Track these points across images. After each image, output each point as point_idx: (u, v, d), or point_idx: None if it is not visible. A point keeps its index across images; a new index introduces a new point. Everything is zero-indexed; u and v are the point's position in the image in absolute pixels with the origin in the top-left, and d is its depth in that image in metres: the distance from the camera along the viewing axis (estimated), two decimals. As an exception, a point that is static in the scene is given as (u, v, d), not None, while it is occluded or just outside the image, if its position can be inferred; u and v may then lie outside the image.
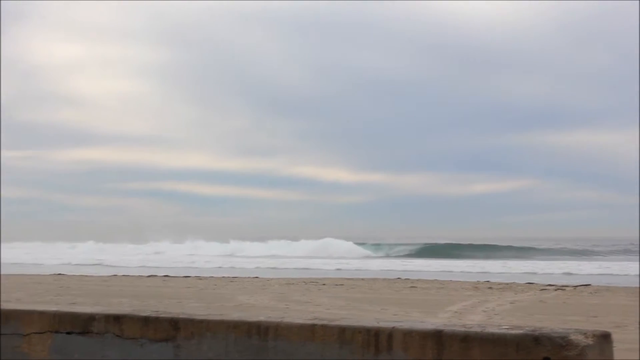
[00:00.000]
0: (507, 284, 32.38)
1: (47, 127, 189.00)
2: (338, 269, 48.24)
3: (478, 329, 3.93)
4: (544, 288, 29.97)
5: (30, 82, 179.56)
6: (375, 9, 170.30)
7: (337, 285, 31.05)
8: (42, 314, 5.49)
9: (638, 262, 47.04)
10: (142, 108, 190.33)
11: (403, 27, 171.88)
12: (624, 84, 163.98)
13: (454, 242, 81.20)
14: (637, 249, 70.47)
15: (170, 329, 4.93)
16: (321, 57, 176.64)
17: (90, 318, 5.22)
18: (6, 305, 6.49)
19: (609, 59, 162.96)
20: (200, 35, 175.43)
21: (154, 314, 5.09)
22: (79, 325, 5.27)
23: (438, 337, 4.06)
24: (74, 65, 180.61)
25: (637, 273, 41.38)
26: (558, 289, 29.73)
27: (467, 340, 3.93)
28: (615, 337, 4.02)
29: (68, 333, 5.29)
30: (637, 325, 17.44)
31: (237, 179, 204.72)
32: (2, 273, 40.77)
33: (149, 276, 38.78)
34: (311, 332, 4.47)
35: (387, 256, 71.97)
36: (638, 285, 31.00)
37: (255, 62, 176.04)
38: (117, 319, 5.13)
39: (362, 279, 35.79)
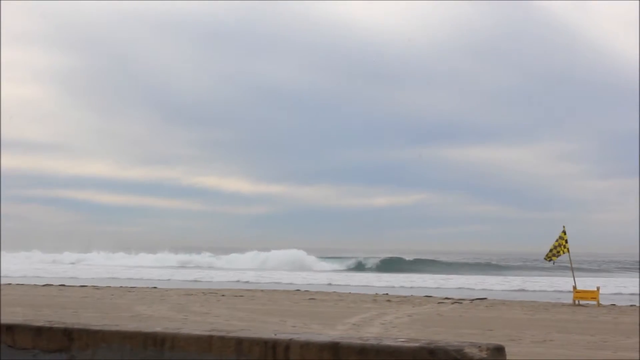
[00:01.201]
0: (406, 297, 32.73)
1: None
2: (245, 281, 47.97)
3: (374, 342, 3.95)
4: (442, 301, 30.37)
5: None
6: (280, 21, 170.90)
7: (236, 296, 30.95)
8: None
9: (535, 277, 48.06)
10: (40, 114, 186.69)
11: (307, 39, 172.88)
12: (524, 102, 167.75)
13: (354, 255, 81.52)
14: (534, 263, 72.04)
15: (64, 340, 4.83)
16: (223, 67, 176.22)
17: (-19, 328, 5.08)
18: None
19: (511, 78, 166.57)
20: (101, 41, 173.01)
21: (47, 324, 4.98)
22: (-31, 335, 5.12)
23: (335, 350, 4.07)
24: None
25: (536, 288, 42.36)
26: (455, 302, 30.18)
27: (364, 352, 3.95)
28: (509, 350, 4.09)
29: (-43, 343, 5.14)
30: (531, 339, 17.81)
31: (138, 188, 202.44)
32: None
33: (44, 285, 38.04)
34: (208, 344, 4.44)
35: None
36: (533, 300, 31.71)
37: (156, 70, 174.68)
38: (9, 328, 5.01)
39: (262, 290, 35.73)
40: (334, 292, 35.78)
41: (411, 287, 42.99)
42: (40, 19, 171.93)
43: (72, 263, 71.87)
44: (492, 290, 41.84)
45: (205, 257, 76.69)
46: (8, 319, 5.64)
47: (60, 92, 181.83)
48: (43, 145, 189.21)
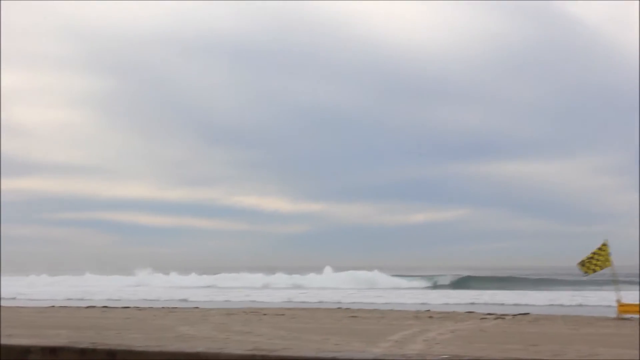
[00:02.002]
0: (448, 313, 32.53)
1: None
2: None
3: (418, 359, 3.93)
4: (484, 317, 30.16)
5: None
6: (315, 40, 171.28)
7: (278, 315, 30.93)
8: (-25, 346, 5.38)
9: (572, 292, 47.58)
10: (80, 137, 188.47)
11: (342, 57, 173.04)
12: (561, 116, 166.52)
13: (395, 273, 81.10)
14: (575, 277, 71.26)
15: (108, 361, 4.85)
16: (261, 87, 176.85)
17: (26, 350, 5.12)
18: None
19: (548, 91, 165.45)
20: (137, 64, 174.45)
21: (91, 346, 5.01)
22: (14, 357, 5.16)
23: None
24: (10, 93, 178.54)
25: (578, 302, 41.92)
26: (498, 317, 29.95)
27: (408, 370, 3.93)
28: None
29: (3, 366, 5.18)
30: (577, 354, 17.62)
31: (179, 208, 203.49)
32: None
33: (87, 307, 38.29)
34: (251, 363, 4.44)
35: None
36: (577, 314, 31.41)
37: (194, 92, 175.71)
38: (54, 351, 5.04)
39: (304, 309, 35.69)
40: (376, 309, 35.65)
41: (451, 303, 42.69)
42: (77, 44, 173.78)
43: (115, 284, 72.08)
44: (534, 305, 41.47)
45: (282, 278, 74.68)
46: (52, 341, 5.68)
47: (98, 116, 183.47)
48: (83, 169, 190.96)
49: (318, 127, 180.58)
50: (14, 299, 49.09)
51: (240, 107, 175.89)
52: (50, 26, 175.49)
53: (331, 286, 64.06)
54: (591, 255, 31.80)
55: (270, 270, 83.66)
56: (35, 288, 64.32)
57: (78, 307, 37.96)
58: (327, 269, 76.99)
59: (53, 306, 39.51)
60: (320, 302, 44.31)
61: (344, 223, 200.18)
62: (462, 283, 72.32)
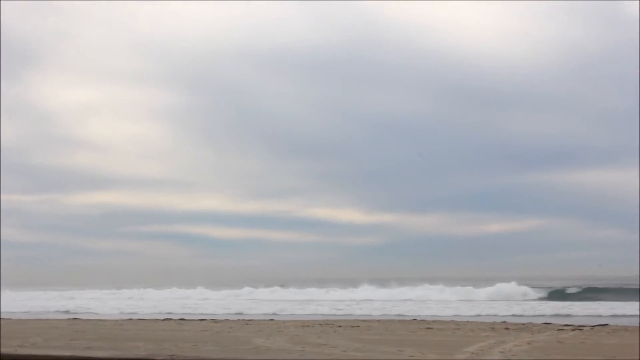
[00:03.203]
0: (524, 324, 32.19)
1: (61, 171, 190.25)
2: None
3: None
4: (561, 328, 29.77)
5: (44, 126, 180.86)
6: (386, 49, 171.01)
7: (352, 327, 30.91)
8: (57, 359, 5.50)
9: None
10: (155, 151, 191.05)
11: (414, 66, 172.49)
12: (636, 122, 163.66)
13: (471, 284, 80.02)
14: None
15: (185, 373, 4.92)
16: (334, 98, 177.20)
17: (106, 363, 5.22)
18: (22, 350, 6.50)
19: (623, 98, 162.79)
20: (212, 78, 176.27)
21: (168, 358, 5.09)
22: (94, 370, 5.26)
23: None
24: (87, 109, 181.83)
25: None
26: (575, 329, 29.53)
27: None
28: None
29: (83, 378, 5.29)
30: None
31: (252, 221, 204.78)
32: (19, 318, 40.94)
33: (164, 319, 38.72)
34: (326, 375, 4.46)
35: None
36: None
37: (266, 104, 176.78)
38: (132, 363, 5.13)
39: (378, 321, 35.62)
40: (452, 320, 35.43)
41: (527, 315, 42.19)
42: (152, 59, 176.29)
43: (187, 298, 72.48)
44: (613, 315, 40.82)
45: (392, 291, 72.71)
46: (132, 353, 5.76)
47: (173, 130, 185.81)
48: (158, 182, 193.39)
49: (391, 137, 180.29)
50: (86, 312, 49.83)
51: (314, 119, 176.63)
52: (125, 42, 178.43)
53: (433, 298, 62.67)
54: None
55: (346, 282, 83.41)
56: (120, 301, 65.08)
57: (155, 320, 38.40)
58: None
59: (131, 319, 40.05)
60: (399, 315, 44.01)
61: (417, 234, 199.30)
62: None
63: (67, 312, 48.68)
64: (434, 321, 34.85)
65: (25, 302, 63.18)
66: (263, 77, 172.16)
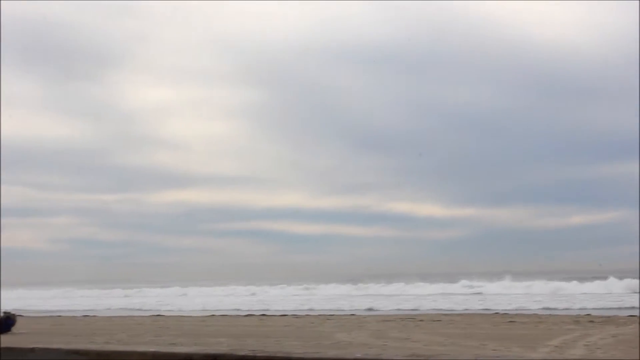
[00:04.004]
0: (609, 317, 31.64)
1: (142, 170, 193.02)
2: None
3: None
4: (648, 321, 29.20)
5: (124, 126, 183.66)
6: (467, 42, 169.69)
7: (434, 321, 30.77)
8: (142, 354, 5.57)
9: None
10: (234, 149, 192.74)
11: (494, 59, 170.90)
12: None
13: (557, 277, 78.70)
14: None
15: (268, 368, 4.93)
16: (412, 91, 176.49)
17: (188, 358, 5.27)
18: (107, 347, 6.60)
19: None
20: (289, 75, 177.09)
21: (250, 353, 5.11)
22: (178, 365, 5.31)
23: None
24: (167, 108, 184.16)
25: None
26: (663, 321, 28.95)
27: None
28: None
29: (167, 373, 5.34)
30: None
31: (330, 216, 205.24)
32: (106, 315, 41.69)
33: (246, 315, 39.02)
34: (409, 369, 4.43)
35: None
36: None
37: (344, 99, 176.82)
38: (216, 358, 5.16)
39: (460, 315, 35.40)
40: (534, 314, 35.03)
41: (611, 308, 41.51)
42: (229, 58, 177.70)
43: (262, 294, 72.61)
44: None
45: (473, 285, 71.45)
46: (214, 349, 5.81)
47: (252, 127, 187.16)
48: (238, 179, 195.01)
49: (470, 130, 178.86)
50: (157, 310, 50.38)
51: (392, 113, 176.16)
52: (203, 42, 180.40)
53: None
54: None
55: (427, 276, 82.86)
56: (202, 298, 65.46)
57: (237, 316, 38.73)
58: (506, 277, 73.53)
59: (213, 315, 40.46)
60: (485, 309, 43.36)
61: (498, 227, 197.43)
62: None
63: (150, 309, 49.35)
64: (516, 314, 34.51)
65: (108, 300, 64.34)
66: (339, 72, 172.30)
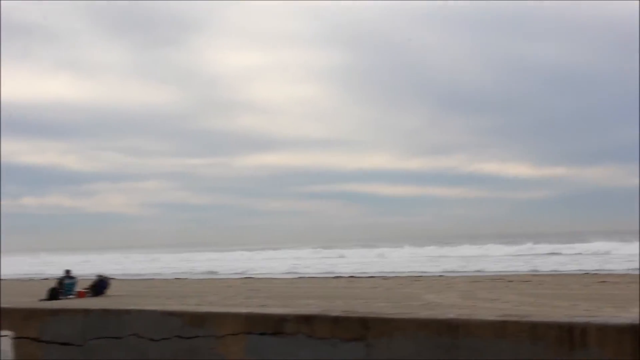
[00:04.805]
0: None
1: (229, 134, 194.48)
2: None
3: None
4: None
5: (210, 91, 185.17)
6: (553, 4, 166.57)
7: (524, 282, 30.51)
8: (235, 316, 5.62)
9: None
10: (320, 111, 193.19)
11: (583, 20, 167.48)
12: None
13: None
14: None
15: (360, 329, 4.96)
16: (499, 51, 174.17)
17: (282, 319, 5.31)
18: (200, 308, 6.70)
19: None
20: (375, 36, 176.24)
21: (343, 314, 5.13)
22: (271, 326, 5.37)
23: (637, 332, 3.91)
24: (252, 72, 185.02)
25: None
26: None
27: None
28: None
29: (261, 334, 5.40)
30: None
31: (418, 178, 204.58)
32: (193, 278, 42.32)
33: (335, 277, 39.21)
34: (502, 329, 4.41)
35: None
36: None
37: (430, 60, 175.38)
38: (308, 319, 5.20)
39: (550, 275, 35.05)
40: (627, 274, 34.47)
41: None
42: (315, 21, 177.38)
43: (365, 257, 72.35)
44: None
45: (563, 246, 67.43)
46: (305, 310, 5.86)
47: (338, 89, 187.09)
48: (325, 142, 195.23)
49: (558, 89, 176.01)
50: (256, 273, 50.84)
51: (479, 73, 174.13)
52: (288, 5, 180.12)
53: None
54: None
55: (516, 237, 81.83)
56: (290, 260, 65.50)
57: (326, 278, 38.94)
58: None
59: (302, 277, 40.78)
60: (579, 269, 42.17)
61: (588, 186, 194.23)
62: None
63: (239, 272, 49.86)
64: (607, 275, 34.00)
65: (198, 263, 65.20)
66: (426, 33, 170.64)
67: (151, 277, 46.60)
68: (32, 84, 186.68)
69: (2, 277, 47.47)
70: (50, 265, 63.49)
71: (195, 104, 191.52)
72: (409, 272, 44.60)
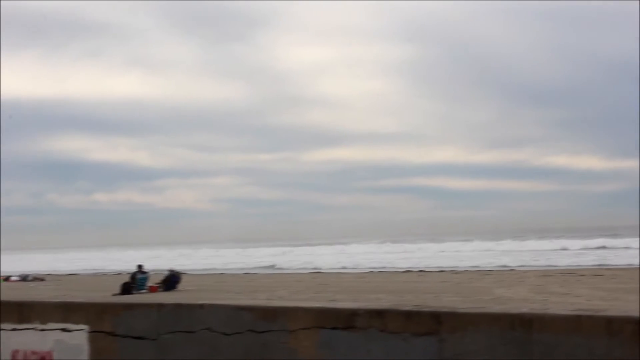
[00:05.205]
0: None
1: (297, 129, 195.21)
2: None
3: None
4: None
5: (278, 86, 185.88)
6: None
7: (595, 275, 30.10)
8: (307, 310, 5.65)
9: None
10: (389, 106, 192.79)
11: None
12: None
13: None
14: None
15: (433, 323, 4.94)
16: (570, 44, 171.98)
17: (353, 314, 5.31)
18: (272, 303, 6.75)
19: None
20: (444, 31, 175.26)
21: (415, 309, 5.12)
22: (343, 320, 5.38)
23: None
24: (320, 67, 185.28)
25: None
26: None
27: None
28: None
29: (333, 329, 5.41)
30: None
31: (488, 172, 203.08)
32: (262, 273, 42.54)
33: (404, 271, 39.10)
34: (577, 324, 4.36)
35: None
36: None
37: (498, 53, 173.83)
38: (380, 314, 5.20)
39: (622, 269, 34.52)
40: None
41: None
42: (384, 16, 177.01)
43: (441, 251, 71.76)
44: None
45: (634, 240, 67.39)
46: (377, 304, 5.86)
47: (406, 84, 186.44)
48: (394, 136, 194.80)
49: (629, 81, 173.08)
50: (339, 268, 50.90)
51: (549, 66, 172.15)
52: (352, 1, 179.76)
53: None
54: None
55: (587, 230, 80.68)
56: (360, 255, 65.45)
57: (395, 272, 38.85)
58: None
59: (372, 271, 40.75)
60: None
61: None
62: None
63: (311, 267, 49.92)
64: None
65: (267, 258, 65.53)
66: (496, 26, 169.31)
67: (221, 272, 46.95)
68: (103, 82, 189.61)
69: (75, 273, 48.35)
70: (121, 261, 64.41)
71: (264, 100, 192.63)
72: (478, 266, 44.33)
